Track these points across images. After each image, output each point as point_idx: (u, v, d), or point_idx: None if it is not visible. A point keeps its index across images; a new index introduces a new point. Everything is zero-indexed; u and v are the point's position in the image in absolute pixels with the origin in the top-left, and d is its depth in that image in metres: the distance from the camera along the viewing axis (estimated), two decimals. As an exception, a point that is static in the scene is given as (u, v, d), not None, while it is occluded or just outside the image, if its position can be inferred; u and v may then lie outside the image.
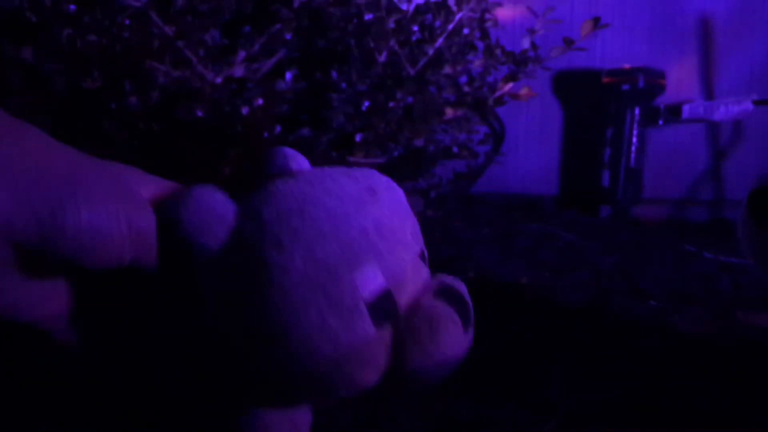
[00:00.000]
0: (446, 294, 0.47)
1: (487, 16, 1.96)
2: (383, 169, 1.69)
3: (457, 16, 1.77)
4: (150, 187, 0.45)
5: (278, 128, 1.57)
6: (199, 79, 1.50)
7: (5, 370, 0.48)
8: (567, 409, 0.76)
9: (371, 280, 0.44)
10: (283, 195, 0.45)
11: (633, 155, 2.74)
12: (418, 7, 1.76)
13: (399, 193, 0.51)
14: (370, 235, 0.44)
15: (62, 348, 0.44)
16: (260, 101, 1.53)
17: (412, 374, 0.45)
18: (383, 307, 0.44)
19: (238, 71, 1.55)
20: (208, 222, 0.43)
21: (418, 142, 1.87)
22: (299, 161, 0.51)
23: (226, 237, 0.43)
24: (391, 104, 1.71)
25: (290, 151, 0.52)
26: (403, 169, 1.86)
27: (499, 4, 2.00)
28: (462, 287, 0.49)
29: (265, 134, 1.54)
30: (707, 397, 0.80)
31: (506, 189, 2.95)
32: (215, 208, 0.43)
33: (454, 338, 0.45)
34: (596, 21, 1.85)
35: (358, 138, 1.68)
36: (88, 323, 0.45)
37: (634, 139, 2.74)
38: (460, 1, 1.76)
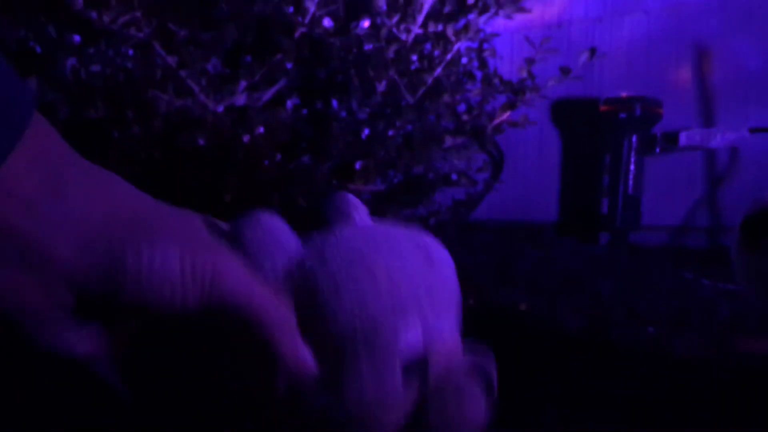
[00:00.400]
0: (477, 369, 0.48)
1: (485, 45, 1.99)
2: (383, 196, 1.71)
3: (456, 46, 1.80)
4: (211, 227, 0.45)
5: (279, 156, 1.58)
6: (201, 107, 1.52)
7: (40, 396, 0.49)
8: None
9: (411, 342, 0.45)
10: (348, 242, 0.46)
11: (631, 182, 2.75)
12: (417, 37, 1.79)
13: (452, 266, 0.52)
14: (421, 301, 0.46)
15: (102, 384, 0.44)
16: (261, 129, 1.55)
17: None
18: (416, 369, 0.45)
19: (240, 100, 1.56)
20: (270, 244, 0.44)
21: (418, 170, 1.88)
22: (361, 212, 0.52)
23: (286, 265, 0.44)
24: (390, 132, 1.73)
25: (354, 199, 0.52)
26: (403, 197, 1.87)
27: (497, 34, 2.03)
28: (491, 364, 0.50)
29: (266, 162, 1.56)
30: (704, 423, 0.80)
31: (505, 216, 2.96)
32: (278, 234, 0.45)
33: (477, 414, 0.46)
34: (593, 51, 1.87)
35: (358, 165, 1.70)
36: (135, 363, 0.46)
37: (632, 167, 2.76)
38: (458, 32, 1.78)
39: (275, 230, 0.45)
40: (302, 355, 0.42)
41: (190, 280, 0.37)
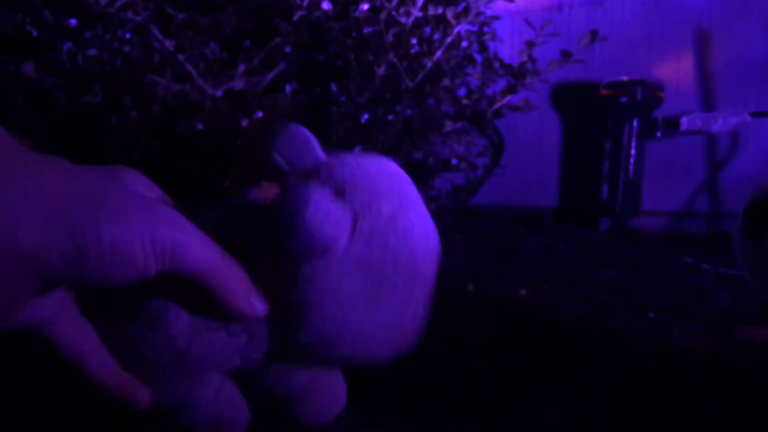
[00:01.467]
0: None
1: (486, 29, 1.98)
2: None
3: (456, 30, 1.78)
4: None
5: (278, 141, 1.57)
6: (200, 92, 1.51)
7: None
8: (565, 427, 0.76)
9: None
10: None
11: (631, 167, 2.75)
12: (416, 21, 1.77)
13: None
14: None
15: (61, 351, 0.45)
16: (260, 114, 1.54)
17: None
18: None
19: (238, 84, 1.55)
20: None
21: (417, 155, 1.88)
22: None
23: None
24: (390, 117, 1.72)
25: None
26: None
27: (497, 18, 2.01)
28: None
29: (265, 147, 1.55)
30: (705, 411, 0.80)
31: (505, 201, 2.95)
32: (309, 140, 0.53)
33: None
34: (594, 34, 1.86)
35: (357, 151, 1.69)
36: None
37: (633, 152, 2.75)
38: (458, 15, 1.77)
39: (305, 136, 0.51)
40: (256, 305, 0.46)
41: (151, 255, 0.39)
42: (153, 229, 0.39)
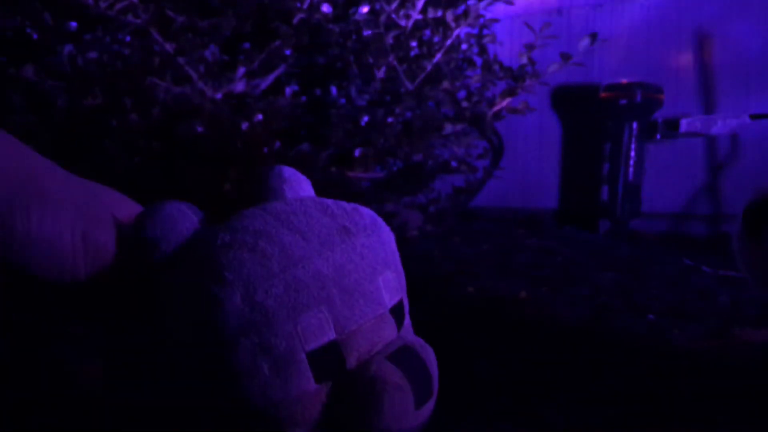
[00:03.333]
0: (404, 359, 0.42)
1: (485, 31, 1.98)
2: (382, 184, 1.70)
3: (455, 32, 1.78)
4: (128, 209, 0.44)
5: (278, 144, 1.58)
6: (200, 95, 1.51)
7: None
8: (565, 425, 0.76)
9: (316, 330, 0.40)
10: (243, 223, 0.42)
11: (631, 170, 2.75)
12: (416, 23, 1.77)
13: (383, 236, 0.46)
14: (326, 282, 0.40)
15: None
16: (260, 117, 1.54)
17: None
18: (327, 361, 0.40)
19: (238, 87, 1.56)
20: (164, 228, 0.41)
21: (417, 157, 1.88)
22: (296, 183, 0.48)
23: (180, 244, 0.41)
24: (389, 119, 1.72)
25: (288, 171, 0.48)
26: (403, 184, 1.86)
27: (497, 20, 2.02)
28: (428, 354, 0.44)
29: (265, 150, 1.55)
30: (704, 411, 0.80)
31: (505, 203, 2.95)
32: (174, 216, 0.42)
33: (400, 409, 0.40)
34: (593, 36, 1.86)
35: (357, 153, 1.69)
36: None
37: (633, 154, 2.75)
38: (458, 17, 1.77)
39: (171, 212, 0.42)
40: None
41: (80, 251, 0.37)
42: (88, 224, 0.37)
